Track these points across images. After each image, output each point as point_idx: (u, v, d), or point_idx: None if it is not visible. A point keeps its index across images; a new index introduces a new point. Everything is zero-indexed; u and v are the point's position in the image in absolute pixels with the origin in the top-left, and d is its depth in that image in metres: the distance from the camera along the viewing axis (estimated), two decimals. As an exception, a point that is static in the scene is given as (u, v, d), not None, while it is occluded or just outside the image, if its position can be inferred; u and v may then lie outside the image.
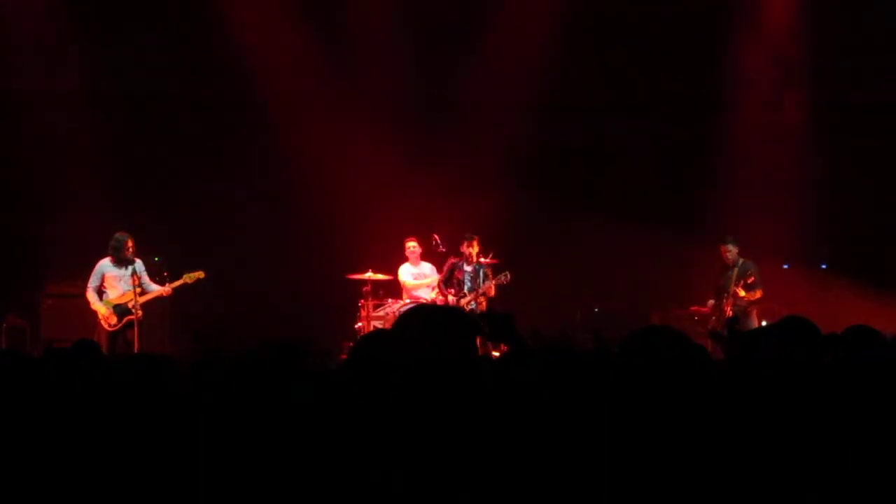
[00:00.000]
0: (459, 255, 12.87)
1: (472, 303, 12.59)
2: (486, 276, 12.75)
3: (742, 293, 12.42)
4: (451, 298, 12.61)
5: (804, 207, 14.59)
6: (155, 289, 11.66)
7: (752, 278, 12.42)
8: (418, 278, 13.27)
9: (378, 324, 13.01)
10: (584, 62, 14.62)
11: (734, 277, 12.56)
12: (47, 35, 14.14)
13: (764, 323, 12.62)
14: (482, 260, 12.80)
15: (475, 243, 12.73)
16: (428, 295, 13.04)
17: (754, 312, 12.63)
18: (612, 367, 3.64)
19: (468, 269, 12.77)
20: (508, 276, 12.70)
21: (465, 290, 12.69)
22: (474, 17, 14.78)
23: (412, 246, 13.24)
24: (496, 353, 11.46)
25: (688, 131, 15.29)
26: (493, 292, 12.73)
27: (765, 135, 14.92)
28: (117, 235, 11.55)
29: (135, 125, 14.73)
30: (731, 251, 12.65)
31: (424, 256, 13.41)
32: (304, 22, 14.49)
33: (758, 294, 12.43)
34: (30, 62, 14.16)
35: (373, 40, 14.78)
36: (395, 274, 13.39)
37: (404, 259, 13.36)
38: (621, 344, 3.66)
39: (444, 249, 13.10)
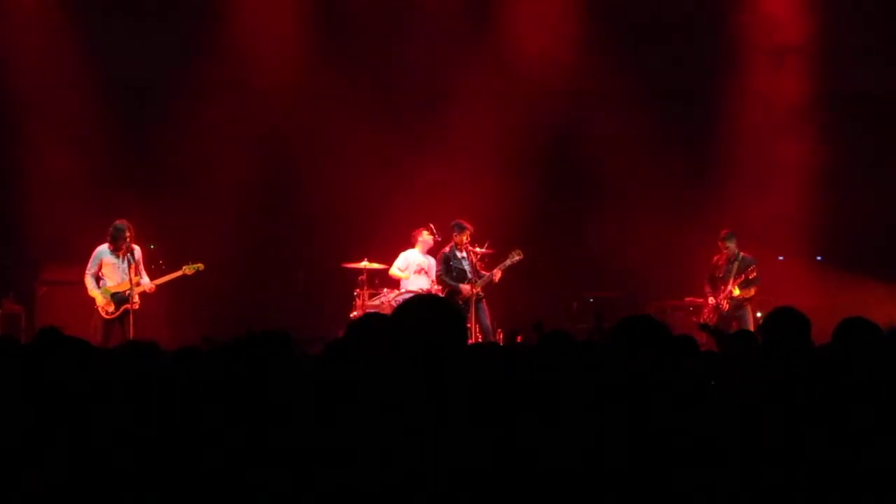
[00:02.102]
0: (451, 244, 12.85)
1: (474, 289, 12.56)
2: (472, 259, 12.70)
3: (736, 291, 12.46)
4: (465, 287, 12.54)
5: (799, 199, 14.62)
6: (145, 282, 11.64)
7: (754, 274, 12.45)
8: (422, 265, 13.17)
9: (374, 312, 12.94)
10: (586, 51, 14.60)
11: (733, 272, 12.58)
12: (49, 22, 14.12)
13: (759, 314, 12.66)
14: (478, 250, 12.79)
15: (466, 234, 12.71)
16: (425, 284, 13.01)
17: (749, 306, 12.67)
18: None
19: (461, 255, 12.77)
20: (520, 253, 12.66)
21: (469, 278, 12.67)
22: (476, 5, 14.78)
23: (428, 236, 13.10)
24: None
25: (686, 122, 15.29)
26: (497, 278, 12.71)
27: (763, 126, 14.94)
28: (116, 223, 11.51)
29: (132, 112, 14.70)
30: (730, 247, 12.67)
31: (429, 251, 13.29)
32: (306, 9, 14.49)
33: (752, 292, 12.47)
34: (31, 48, 14.12)
35: (375, 28, 14.78)
36: (393, 262, 13.26)
37: (407, 247, 13.25)
38: (611, 333, 3.69)
39: (439, 238, 13.08)
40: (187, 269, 11.86)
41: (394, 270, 13.15)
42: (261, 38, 14.38)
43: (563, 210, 15.22)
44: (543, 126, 14.93)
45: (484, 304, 12.68)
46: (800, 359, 4.46)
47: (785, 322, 4.69)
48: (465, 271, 12.73)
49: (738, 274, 12.55)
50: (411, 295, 11.84)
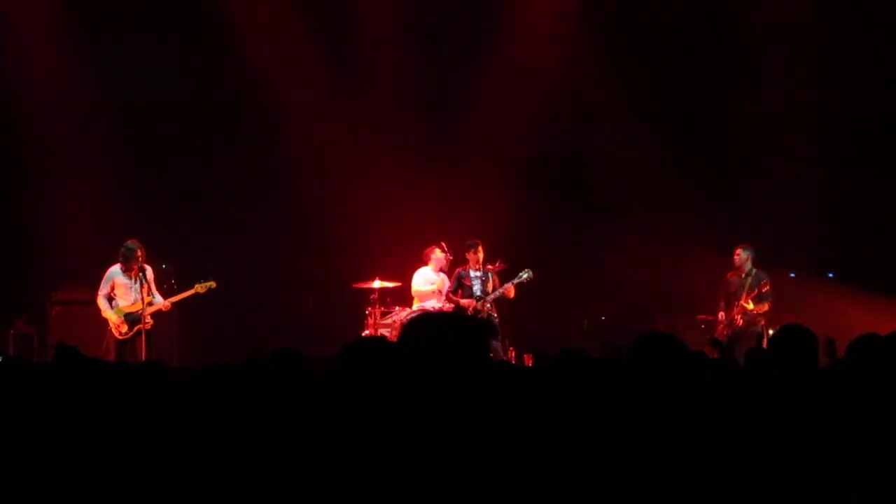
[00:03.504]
0: (465, 263, 12.85)
1: (484, 306, 12.55)
2: (492, 279, 12.71)
3: (750, 305, 12.40)
4: (466, 301, 12.55)
5: (811, 216, 14.58)
6: (158, 301, 11.65)
7: (767, 287, 12.39)
8: (435, 284, 13.17)
9: (385, 332, 12.97)
10: (595, 67, 14.62)
11: (746, 287, 12.52)
12: (57, 43, 14.19)
13: (771, 332, 12.61)
14: (488, 266, 12.78)
15: (479, 249, 12.71)
16: (437, 303, 13.01)
17: (763, 321, 12.61)
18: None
19: (476, 274, 12.76)
20: (531, 273, 12.64)
21: (476, 295, 12.66)
22: (482, 22, 14.82)
23: (440, 254, 13.11)
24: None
25: (696, 139, 15.27)
26: (512, 294, 12.70)
27: (773, 142, 14.91)
28: (128, 244, 11.52)
29: (144, 133, 14.77)
30: (741, 256, 12.61)
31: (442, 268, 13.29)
32: (311, 28, 14.55)
33: (765, 307, 12.40)
34: (39, 70, 14.20)
35: (379, 46, 14.82)
36: (405, 280, 13.27)
37: (419, 265, 13.25)
38: (628, 349, 3.69)
39: (451, 257, 13.07)
40: (199, 288, 11.86)
41: (417, 287, 13.15)
42: (272, 58, 14.42)
43: (573, 227, 15.20)
44: (554, 143, 14.96)
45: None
46: (808, 376, 4.45)
47: (792, 340, 4.70)
48: (473, 289, 12.70)
49: (752, 289, 12.49)
50: (420, 312, 11.86)
